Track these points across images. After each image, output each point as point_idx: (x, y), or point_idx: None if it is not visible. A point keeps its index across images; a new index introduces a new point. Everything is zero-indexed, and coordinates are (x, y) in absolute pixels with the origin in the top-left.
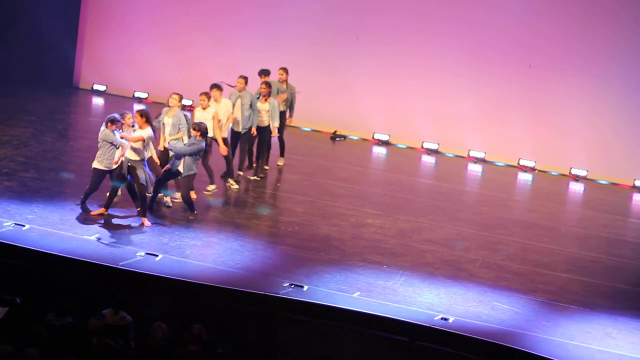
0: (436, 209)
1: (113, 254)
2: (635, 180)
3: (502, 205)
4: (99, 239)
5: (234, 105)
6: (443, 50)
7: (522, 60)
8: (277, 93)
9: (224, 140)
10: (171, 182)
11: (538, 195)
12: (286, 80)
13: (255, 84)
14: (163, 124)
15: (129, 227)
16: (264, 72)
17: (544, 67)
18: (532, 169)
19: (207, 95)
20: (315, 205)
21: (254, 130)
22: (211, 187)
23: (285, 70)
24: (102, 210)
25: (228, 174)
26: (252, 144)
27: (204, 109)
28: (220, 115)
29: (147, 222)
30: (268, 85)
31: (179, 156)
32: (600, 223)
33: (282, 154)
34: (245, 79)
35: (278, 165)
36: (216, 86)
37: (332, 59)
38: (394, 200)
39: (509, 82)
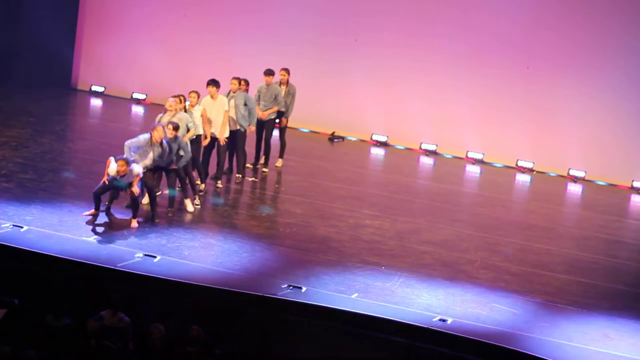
0: (434, 210)
1: (111, 256)
2: (633, 181)
3: (500, 206)
4: (97, 240)
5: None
6: (441, 51)
7: (521, 62)
8: (275, 98)
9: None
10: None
11: (536, 197)
12: (288, 81)
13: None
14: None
15: (127, 228)
16: (267, 72)
17: (542, 69)
18: (530, 170)
19: (197, 93)
20: (314, 207)
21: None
22: (202, 187)
23: (286, 70)
24: (93, 211)
25: (218, 175)
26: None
27: (192, 106)
28: (214, 113)
29: (134, 224)
30: (240, 82)
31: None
32: (598, 224)
33: (281, 155)
34: (238, 79)
35: (276, 166)
36: (213, 82)
37: (331, 61)
38: (393, 201)
39: (508, 84)
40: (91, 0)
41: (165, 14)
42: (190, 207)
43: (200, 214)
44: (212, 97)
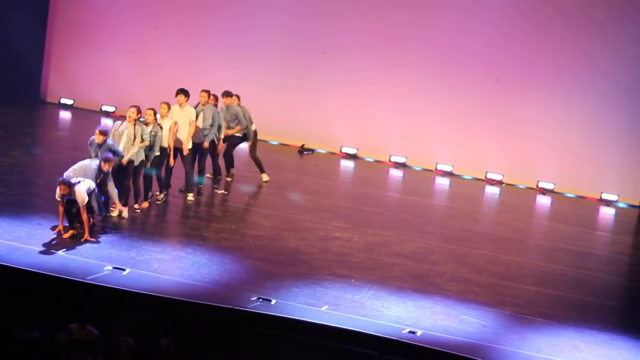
0: (404, 223)
1: (80, 268)
2: (601, 193)
3: (469, 218)
4: (66, 253)
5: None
6: (410, 64)
7: (490, 74)
8: (236, 117)
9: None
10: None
11: (505, 209)
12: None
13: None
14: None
15: (96, 241)
16: (225, 94)
17: (511, 81)
18: (500, 182)
19: (168, 104)
20: (284, 219)
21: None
22: (160, 196)
23: (207, 92)
24: (72, 231)
25: (188, 187)
26: (216, 156)
27: (162, 118)
28: (180, 122)
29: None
30: (209, 95)
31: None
32: (567, 236)
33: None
34: (208, 92)
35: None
36: (182, 91)
37: (300, 74)
38: (362, 213)
39: (477, 96)
40: (61, 13)
41: (135, 26)
42: (115, 213)
43: (169, 226)
44: (180, 105)
